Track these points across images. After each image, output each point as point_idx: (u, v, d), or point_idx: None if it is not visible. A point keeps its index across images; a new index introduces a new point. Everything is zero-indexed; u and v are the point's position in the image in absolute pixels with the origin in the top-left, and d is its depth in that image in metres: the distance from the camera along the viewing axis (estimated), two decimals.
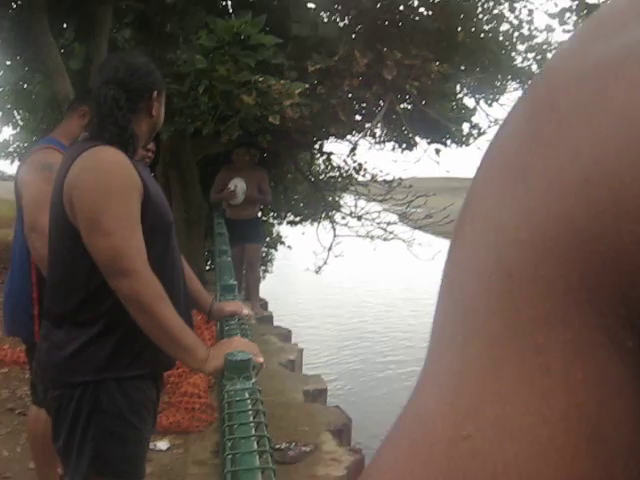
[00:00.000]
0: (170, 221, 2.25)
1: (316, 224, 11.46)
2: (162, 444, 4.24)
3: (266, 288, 11.06)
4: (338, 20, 7.76)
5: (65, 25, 7.95)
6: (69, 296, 2.14)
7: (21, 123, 11.19)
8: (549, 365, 0.28)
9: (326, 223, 10.96)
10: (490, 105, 8.59)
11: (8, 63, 9.77)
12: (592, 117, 0.29)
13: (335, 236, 10.43)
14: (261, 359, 2.09)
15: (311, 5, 7.78)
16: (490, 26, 7.90)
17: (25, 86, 10.30)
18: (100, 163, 2.08)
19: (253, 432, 1.58)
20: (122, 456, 2.16)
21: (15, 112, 11.06)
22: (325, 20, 7.59)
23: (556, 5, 8.12)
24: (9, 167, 13.04)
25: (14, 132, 11.56)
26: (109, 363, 2.10)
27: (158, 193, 2.20)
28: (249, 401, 1.77)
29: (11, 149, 11.56)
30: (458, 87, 8.55)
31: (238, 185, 7.33)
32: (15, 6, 7.35)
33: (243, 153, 7.45)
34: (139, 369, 2.16)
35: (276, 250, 13.36)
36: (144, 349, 2.14)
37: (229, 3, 8.18)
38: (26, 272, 3.11)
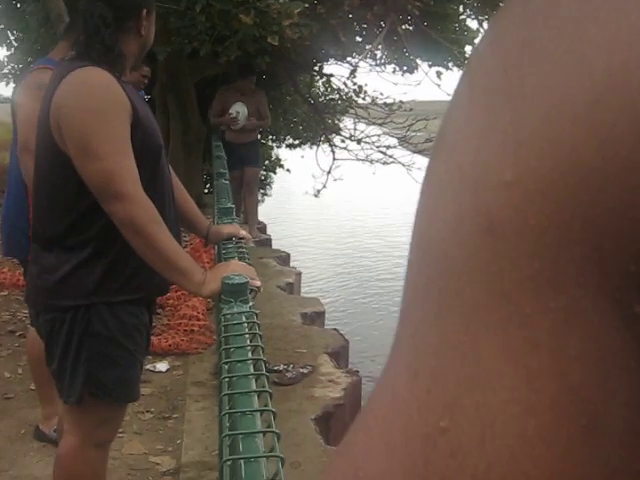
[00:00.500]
0: (160, 144, 2.21)
1: (315, 147, 11.38)
2: (162, 365, 4.30)
3: (265, 211, 11.07)
4: None
5: None
6: (57, 219, 2.12)
7: (15, 44, 10.99)
8: (537, 340, 0.23)
9: (325, 146, 10.88)
10: None
11: None
12: (611, 15, 0.22)
13: (334, 159, 10.37)
14: (258, 282, 2.09)
15: None
16: None
17: (18, 6, 10.08)
18: (87, 84, 2.03)
19: (250, 355, 1.59)
20: (115, 378, 2.18)
21: (9, 33, 10.84)
22: None
23: None
24: (4, 89, 12.87)
25: (8, 53, 11.35)
26: (99, 287, 2.10)
27: (147, 115, 2.16)
28: (246, 324, 1.77)
29: (6, 70, 11.37)
30: (461, 8, 8.38)
31: (240, 111, 7.26)
32: None
33: (252, 79, 7.34)
34: (130, 294, 2.15)
35: (275, 173, 13.32)
36: (136, 274, 2.14)
37: None
38: (22, 193, 3.10)
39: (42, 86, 2.41)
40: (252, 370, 1.52)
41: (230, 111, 7.27)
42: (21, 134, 2.89)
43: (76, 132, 2.00)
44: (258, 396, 1.43)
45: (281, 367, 4.21)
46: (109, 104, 2.01)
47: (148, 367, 4.03)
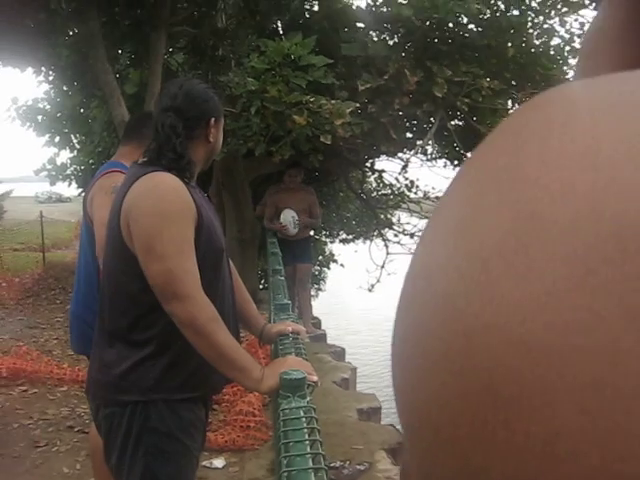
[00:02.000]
0: (222, 248, 2.28)
1: (368, 242, 11.46)
2: (218, 462, 4.28)
3: (319, 306, 11.08)
4: (387, 39, 7.78)
5: (120, 51, 8.16)
6: (121, 315, 2.18)
7: (78, 147, 11.44)
8: None
9: (378, 241, 10.96)
10: None
11: (65, 89, 10.04)
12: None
13: (388, 254, 10.42)
14: (315, 377, 2.10)
15: (360, 25, 7.84)
16: (541, 40, 7.84)
17: (82, 111, 10.55)
18: (157, 188, 2.12)
19: (308, 450, 1.60)
20: (171, 474, 2.19)
21: (72, 136, 11.32)
22: (374, 39, 7.62)
23: None
24: (67, 189, 13.29)
25: (71, 155, 11.81)
26: (158, 384, 2.14)
27: (212, 219, 2.24)
28: (304, 419, 1.79)
29: (68, 172, 11.82)
30: (510, 102, 8.50)
31: (291, 221, 7.36)
32: (72, 34, 7.57)
33: (296, 173, 7.44)
34: (188, 392, 2.19)
35: (329, 268, 13.38)
36: (194, 373, 2.17)
37: (279, 25, 8.29)
38: (94, 290, 3.19)
39: (115, 189, 2.53)
40: (311, 464, 1.53)
41: (281, 219, 7.37)
42: (99, 235, 3.00)
43: (143, 232, 2.08)
44: None
45: (337, 464, 4.15)
46: (176, 208, 2.09)
47: (204, 463, 4.02)
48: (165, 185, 2.12)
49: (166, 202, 2.09)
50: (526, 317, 0.21)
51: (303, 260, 7.63)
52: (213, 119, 2.30)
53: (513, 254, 0.21)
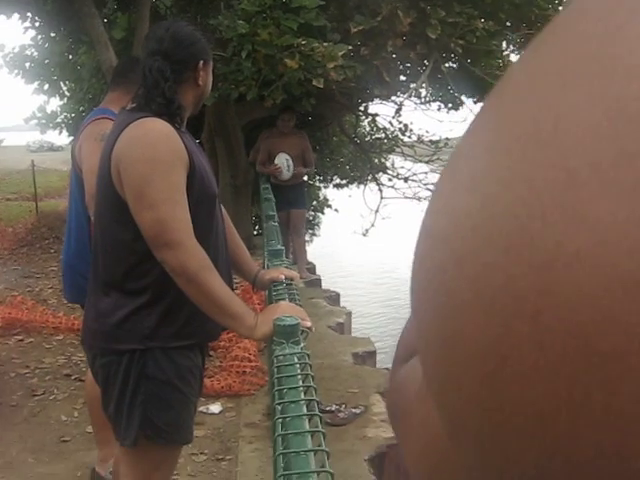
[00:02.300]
0: (214, 193, 2.26)
1: (362, 186, 11.44)
2: (214, 407, 4.32)
3: (314, 252, 11.10)
4: None
5: None
6: (116, 264, 2.17)
7: (67, 94, 11.33)
8: None
9: (373, 185, 10.93)
10: None
11: (52, 35, 9.87)
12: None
13: (382, 198, 10.40)
14: (309, 323, 2.10)
15: None
16: None
17: (70, 57, 10.40)
18: (147, 135, 2.09)
19: (302, 396, 1.60)
20: (169, 421, 2.20)
21: (61, 83, 11.18)
22: None
23: None
24: (58, 137, 13.20)
25: (61, 103, 11.69)
26: (155, 332, 2.14)
27: (203, 165, 2.22)
28: (298, 365, 1.79)
29: (59, 120, 11.71)
30: (504, 44, 8.40)
31: (284, 163, 7.28)
32: None
33: (289, 118, 7.34)
34: (184, 339, 2.19)
35: (323, 214, 13.39)
36: (190, 320, 2.17)
37: None
38: (85, 239, 3.17)
39: (104, 137, 2.49)
40: (305, 410, 1.53)
41: (275, 161, 7.29)
42: (89, 184, 2.96)
43: (134, 180, 2.06)
44: (312, 436, 1.44)
45: (333, 407, 4.19)
46: (167, 154, 2.07)
47: (201, 409, 4.05)
48: (155, 132, 2.09)
49: (157, 149, 2.06)
50: (636, 247, 0.16)
51: (297, 206, 7.60)
52: (202, 62, 2.26)
53: (613, 167, 0.17)
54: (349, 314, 6.93)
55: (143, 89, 2.17)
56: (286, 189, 7.30)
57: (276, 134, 7.41)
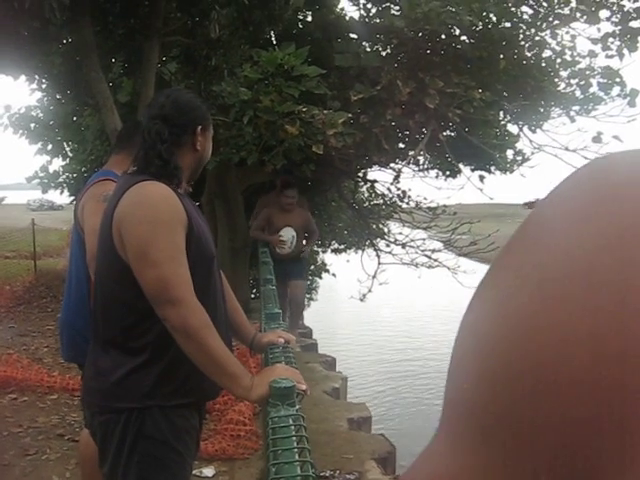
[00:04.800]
0: (212, 254, 2.30)
1: (360, 252, 11.48)
2: (208, 471, 4.28)
3: (311, 316, 11.09)
4: (380, 50, 7.82)
5: (113, 60, 8.18)
6: (115, 323, 2.20)
7: (70, 155, 11.46)
8: None
9: (370, 251, 10.97)
10: (534, 132, 8.52)
11: (58, 97, 10.05)
12: None
13: (379, 264, 10.43)
14: (304, 386, 2.12)
15: (353, 35, 7.88)
16: (532, 53, 7.88)
17: (75, 119, 10.57)
18: (148, 198, 2.15)
19: (297, 457, 1.61)
20: None
21: (65, 144, 11.34)
22: (367, 50, 7.66)
23: (599, 30, 7.94)
24: (59, 197, 13.29)
25: (64, 163, 11.82)
26: (153, 391, 2.15)
27: (202, 226, 2.27)
28: (293, 427, 1.80)
29: (60, 179, 11.83)
30: (501, 114, 8.53)
31: (290, 239, 7.18)
32: (65, 42, 7.58)
33: (292, 194, 7.14)
34: (183, 398, 2.20)
35: (321, 278, 13.40)
36: (188, 379, 2.19)
37: (272, 36, 8.33)
38: (85, 297, 3.19)
39: (107, 198, 2.55)
40: (299, 472, 1.54)
41: (281, 234, 7.15)
42: (90, 243, 3.00)
43: (136, 241, 2.10)
44: None
45: (327, 473, 4.16)
46: (168, 215, 2.12)
47: (195, 472, 4.01)
48: (156, 194, 2.15)
49: (157, 210, 2.12)
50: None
51: (296, 277, 7.40)
52: (200, 127, 2.33)
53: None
54: (345, 379, 6.91)
55: (142, 151, 2.24)
56: (285, 262, 7.10)
57: (277, 208, 7.24)
